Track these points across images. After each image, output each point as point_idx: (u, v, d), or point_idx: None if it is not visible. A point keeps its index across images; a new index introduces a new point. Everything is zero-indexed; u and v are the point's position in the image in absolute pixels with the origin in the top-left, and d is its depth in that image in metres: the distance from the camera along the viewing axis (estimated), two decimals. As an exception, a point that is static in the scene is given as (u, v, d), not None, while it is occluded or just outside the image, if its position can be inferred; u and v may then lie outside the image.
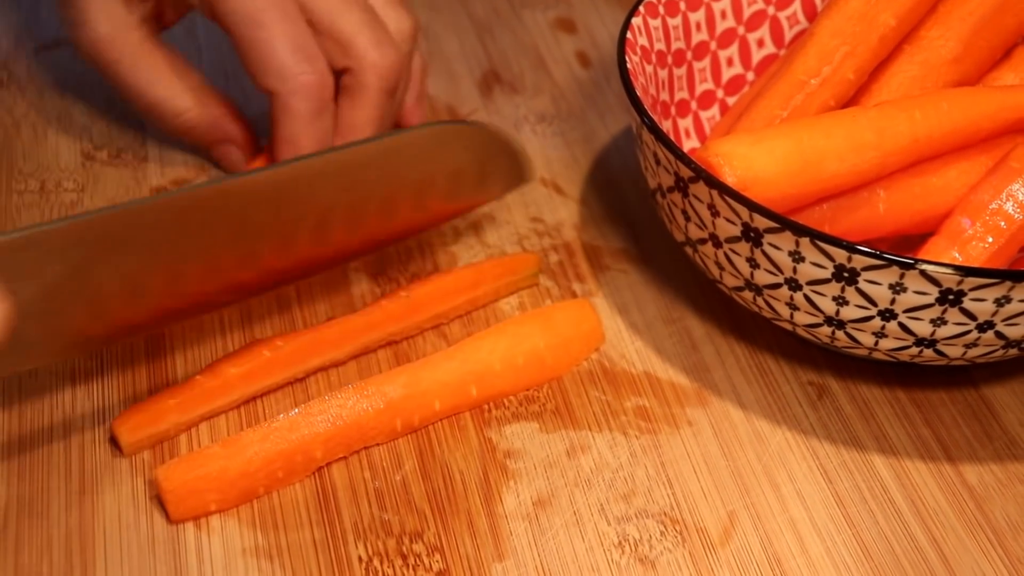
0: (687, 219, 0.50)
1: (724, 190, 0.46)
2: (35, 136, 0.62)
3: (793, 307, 0.49)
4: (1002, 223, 0.50)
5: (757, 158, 0.48)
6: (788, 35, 0.61)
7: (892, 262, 0.44)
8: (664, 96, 0.57)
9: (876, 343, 0.49)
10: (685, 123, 0.59)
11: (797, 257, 0.46)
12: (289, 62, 0.53)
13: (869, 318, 0.47)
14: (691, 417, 0.51)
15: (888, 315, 0.47)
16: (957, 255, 0.50)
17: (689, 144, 0.59)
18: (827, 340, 0.50)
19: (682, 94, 0.59)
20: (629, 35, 0.54)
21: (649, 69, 0.55)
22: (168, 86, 0.57)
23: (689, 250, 0.52)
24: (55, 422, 0.49)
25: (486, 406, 0.51)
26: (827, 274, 0.46)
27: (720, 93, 0.60)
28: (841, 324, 0.48)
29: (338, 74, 0.55)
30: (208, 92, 0.58)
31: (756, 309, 0.51)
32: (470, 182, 0.52)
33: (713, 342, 0.54)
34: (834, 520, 0.48)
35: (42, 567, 0.45)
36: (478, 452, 0.49)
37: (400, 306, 0.53)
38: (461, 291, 0.54)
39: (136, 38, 0.57)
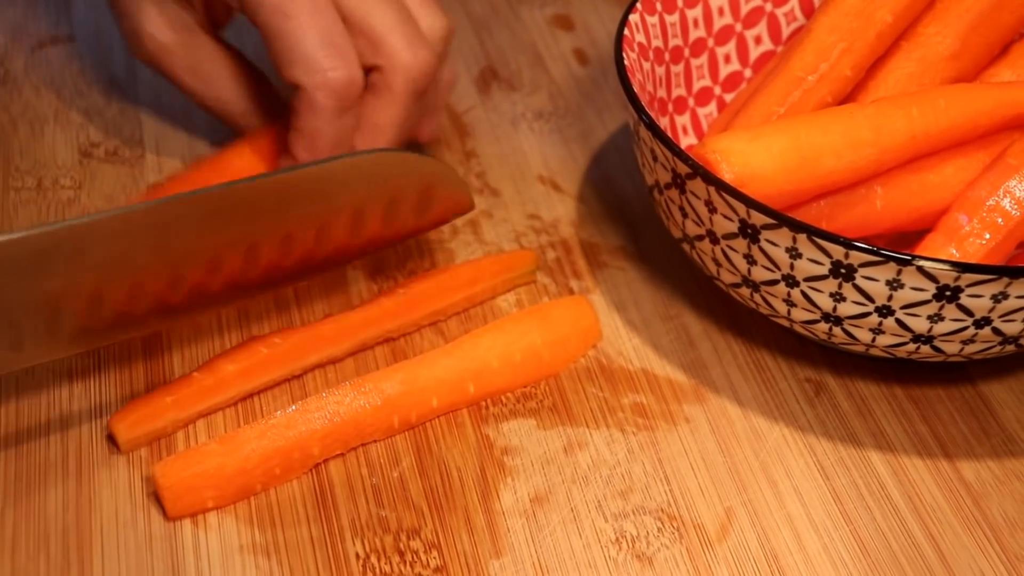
0: (684, 216, 0.50)
1: (721, 186, 0.46)
2: (32, 133, 0.62)
3: (790, 303, 0.49)
4: (999, 219, 0.50)
5: (754, 155, 0.48)
6: (785, 32, 0.61)
7: (889, 258, 0.44)
8: (661, 93, 0.57)
9: (873, 340, 0.49)
10: (682, 120, 0.59)
11: (794, 254, 0.46)
12: (318, 55, 0.51)
13: (866, 314, 0.47)
14: (688, 414, 0.51)
15: (885, 311, 0.47)
16: (954, 251, 0.50)
17: (687, 141, 0.59)
18: (824, 336, 0.50)
19: (679, 91, 0.59)
20: (626, 32, 0.54)
21: (647, 66, 0.55)
22: (232, 89, 0.57)
23: (686, 247, 0.52)
24: (52, 419, 0.49)
25: (484, 403, 0.51)
26: (824, 270, 0.46)
27: (717, 90, 0.60)
28: (838, 320, 0.48)
29: (366, 71, 0.53)
30: (272, 93, 0.58)
31: (753, 305, 0.51)
32: (407, 210, 0.51)
33: (710, 339, 0.54)
34: (831, 516, 0.48)
35: (39, 564, 0.45)
36: (475, 449, 0.49)
37: (398, 303, 0.53)
38: (459, 288, 0.54)
39: (199, 40, 0.57)
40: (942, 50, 0.55)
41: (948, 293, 0.45)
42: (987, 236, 0.50)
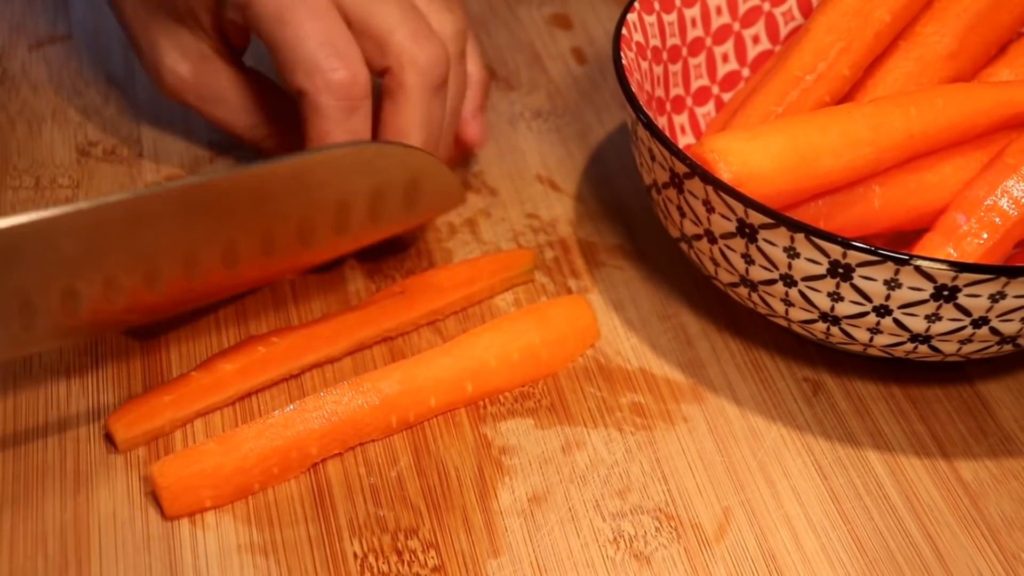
0: (682, 215, 0.50)
1: (719, 186, 0.46)
2: (30, 132, 0.62)
3: (788, 303, 0.49)
4: (997, 219, 0.50)
5: (752, 154, 0.48)
6: (783, 31, 0.61)
7: (887, 258, 0.44)
8: (659, 92, 0.57)
9: (871, 339, 0.49)
10: (680, 119, 0.59)
11: (792, 253, 0.46)
12: (318, 58, 0.50)
13: (864, 314, 0.47)
14: (686, 413, 0.51)
15: (883, 311, 0.47)
16: (952, 251, 0.50)
17: (685, 140, 0.59)
18: (822, 336, 0.50)
19: (677, 90, 0.59)
20: (624, 31, 0.54)
21: (644, 65, 0.55)
22: (255, 113, 0.57)
23: (684, 246, 0.52)
24: (50, 419, 0.49)
25: (481, 402, 0.51)
26: (822, 270, 0.46)
27: (715, 89, 0.60)
28: (836, 320, 0.48)
29: (380, 74, 0.53)
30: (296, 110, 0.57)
31: (751, 305, 0.51)
32: (394, 203, 0.50)
33: (708, 338, 0.54)
34: (829, 516, 0.48)
35: (37, 563, 0.45)
36: (473, 448, 0.49)
37: (395, 302, 0.53)
38: (456, 287, 0.54)
39: (217, 68, 0.57)
40: (940, 49, 0.55)
41: (946, 293, 0.45)
42: (985, 236, 0.50)
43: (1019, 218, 0.50)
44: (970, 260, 0.49)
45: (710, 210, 0.48)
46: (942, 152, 0.52)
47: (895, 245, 0.54)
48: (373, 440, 0.49)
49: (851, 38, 0.53)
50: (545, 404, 0.51)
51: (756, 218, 0.46)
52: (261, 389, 0.51)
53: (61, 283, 0.44)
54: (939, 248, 0.50)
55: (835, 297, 0.47)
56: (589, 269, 0.57)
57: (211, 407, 0.50)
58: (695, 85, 0.60)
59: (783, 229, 0.46)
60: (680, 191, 0.49)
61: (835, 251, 0.45)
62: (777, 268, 0.47)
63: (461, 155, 0.60)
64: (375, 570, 0.45)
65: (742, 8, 0.60)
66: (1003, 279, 0.44)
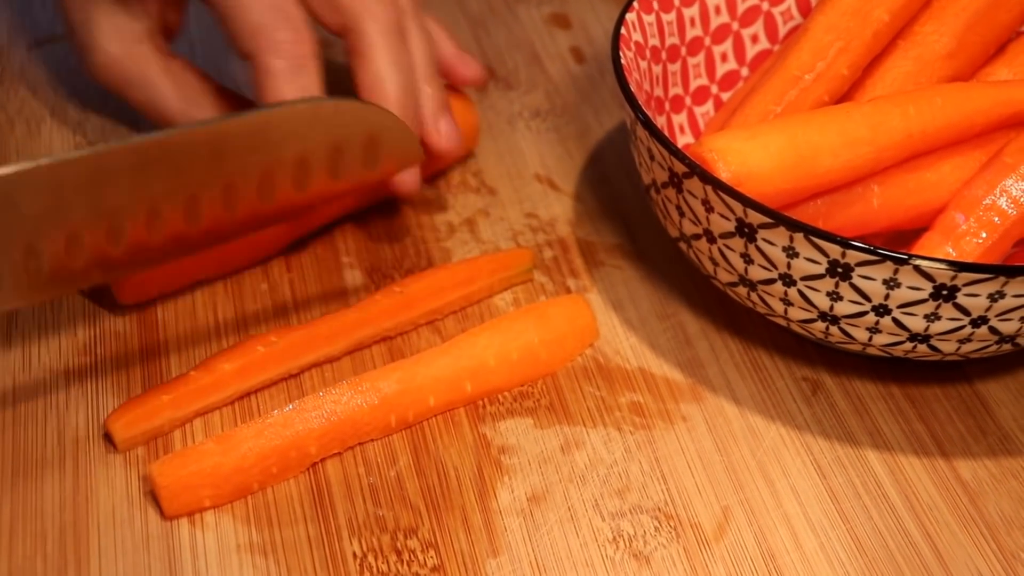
0: (681, 215, 0.50)
1: (718, 186, 0.46)
2: (29, 131, 0.62)
3: (787, 303, 0.49)
4: (996, 218, 0.50)
5: (751, 154, 0.48)
6: (782, 30, 0.61)
7: (886, 257, 0.44)
8: (658, 92, 0.57)
9: (870, 339, 0.49)
10: (679, 119, 0.59)
11: (791, 253, 0.46)
12: (263, 21, 0.52)
13: (863, 314, 0.47)
14: (685, 413, 0.51)
15: (882, 311, 0.47)
16: (951, 250, 0.50)
17: (683, 140, 0.59)
18: (821, 336, 0.50)
19: (676, 90, 0.59)
20: (623, 31, 0.54)
21: (643, 65, 0.55)
22: (183, 99, 0.57)
23: (683, 246, 0.52)
24: (49, 418, 0.49)
25: (480, 402, 0.51)
26: (821, 270, 0.46)
27: (714, 89, 0.60)
28: (835, 320, 0.48)
29: (339, 35, 0.54)
30: (224, 99, 0.58)
31: (750, 305, 0.51)
32: (353, 159, 0.51)
33: (707, 338, 0.54)
34: (828, 515, 0.48)
35: (36, 563, 0.45)
36: (472, 448, 0.49)
37: (394, 302, 0.53)
38: (455, 287, 0.54)
39: (147, 52, 0.57)
40: (939, 49, 0.55)
41: (945, 292, 0.45)
42: (984, 235, 0.50)
43: (1018, 217, 0.50)
44: (969, 259, 0.49)
45: (709, 210, 0.48)
46: (941, 151, 0.52)
47: (894, 244, 0.54)
48: (372, 440, 0.49)
49: (850, 37, 0.53)
50: (544, 404, 0.51)
51: (755, 217, 0.46)
52: (260, 389, 0.51)
53: (23, 240, 0.44)
54: (938, 247, 0.50)
55: (834, 296, 0.47)
56: (588, 269, 0.57)
57: (210, 407, 0.50)
58: (694, 84, 0.60)
59: (782, 228, 0.46)
60: (679, 190, 0.49)
61: (834, 250, 0.45)
62: (776, 267, 0.47)
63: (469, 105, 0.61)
64: (374, 570, 0.45)
65: (741, 7, 0.60)
66: (1002, 278, 0.44)
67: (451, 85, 0.59)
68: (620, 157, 0.63)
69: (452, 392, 0.50)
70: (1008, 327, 0.47)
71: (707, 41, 0.59)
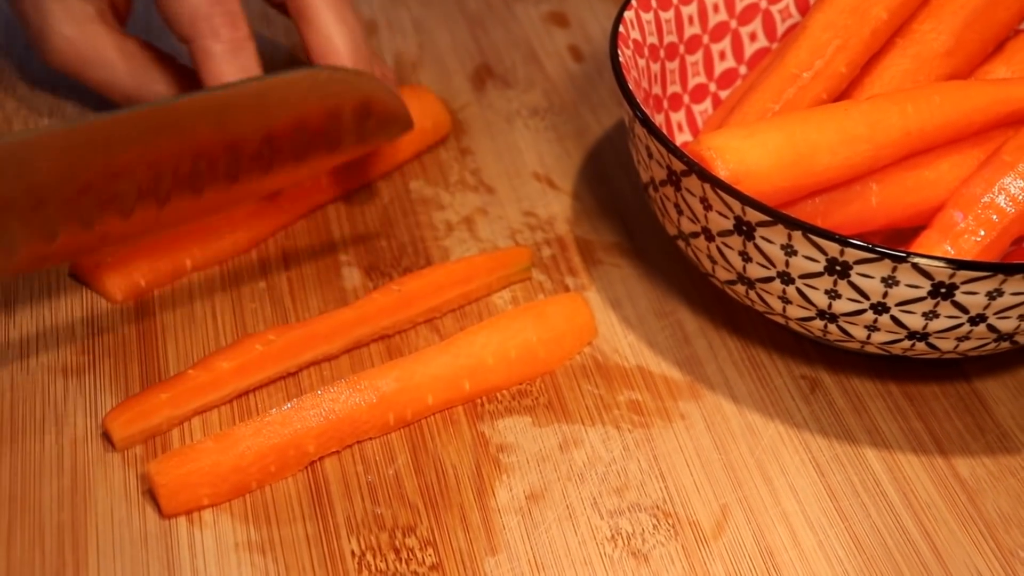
0: (679, 213, 0.50)
1: (716, 184, 0.46)
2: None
3: (785, 301, 0.49)
4: (994, 216, 0.50)
5: (749, 152, 0.48)
6: (780, 29, 0.61)
7: (884, 255, 0.44)
8: (656, 90, 0.57)
9: (868, 336, 0.49)
10: (678, 117, 0.59)
11: (789, 251, 0.46)
12: (199, 6, 0.54)
13: (861, 311, 0.47)
14: (684, 411, 0.51)
15: (880, 308, 0.47)
16: (949, 248, 0.50)
17: (682, 138, 0.59)
18: (819, 334, 0.50)
19: (674, 88, 0.59)
20: (621, 29, 0.54)
21: (641, 63, 0.55)
22: (138, 76, 0.58)
23: (682, 244, 0.52)
24: (47, 417, 0.49)
25: (479, 400, 0.51)
26: (819, 268, 0.46)
27: (713, 87, 0.60)
28: (833, 318, 0.48)
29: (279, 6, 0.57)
30: (180, 75, 0.59)
31: (749, 303, 0.51)
32: (347, 126, 0.53)
33: (706, 336, 0.54)
34: (826, 513, 0.48)
35: (34, 562, 0.45)
36: (471, 446, 0.49)
37: (393, 300, 0.53)
38: (454, 285, 0.54)
39: (100, 31, 0.58)
40: (937, 47, 0.55)
41: (943, 290, 0.45)
42: (982, 233, 0.50)
43: (1016, 215, 0.50)
44: (967, 257, 0.49)
45: (707, 208, 0.48)
46: (939, 149, 0.52)
47: (892, 242, 0.54)
48: (371, 438, 0.49)
49: (848, 35, 0.53)
50: (543, 402, 0.51)
51: (753, 215, 0.46)
52: (258, 387, 0.51)
53: (39, 205, 0.45)
54: (936, 245, 0.50)
55: (832, 294, 0.47)
56: (586, 267, 0.57)
57: (208, 405, 0.50)
58: (692, 83, 0.60)
59: (780, 227, 0.46)
60: (677, 189, 0.49)
61: (832, 248, 0.45)
62: (774, 265, 0.47)
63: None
64: (373, 568, 0.45)
65: (739, 5, 0.60)
66: (1000, 276, 0.44)
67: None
68: (618, 155, 0.63)
69: (450, 390, 0.50)
70: (1006, 325, 0.47)
71: (705, 39, 0.59)
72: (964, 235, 0.50)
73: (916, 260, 0.44)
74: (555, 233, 0.59)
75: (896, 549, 0.47)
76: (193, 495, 0.46)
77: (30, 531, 0.45)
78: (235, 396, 0.50)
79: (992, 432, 0.51)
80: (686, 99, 0.59)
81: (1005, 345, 0.49)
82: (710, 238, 0.49)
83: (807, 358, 0.54)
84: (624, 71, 0.51)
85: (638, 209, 0.60)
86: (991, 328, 0.47)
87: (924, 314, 0.46)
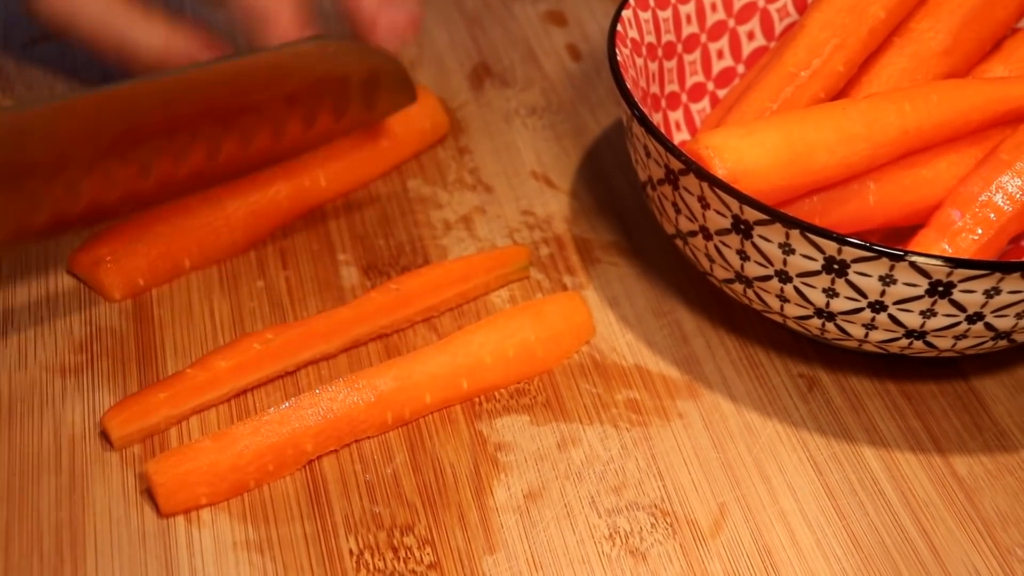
0: (677, 212, 0.50)
1: (714, 182, 0.46)
2: (24, 130, 0.62)
3: (783, 299, 0.49)
4: (992, 215, 0.50)
5: (747, 150, 0.48)
6: (778, 27, 0.61)
7: (882, 254, 0.44)
8: (654, 89, 0.57)
9: (866, 335, 0.49)
10: (675, 116, 0.59)
11: (787, 249, 0.46)
12: None
13: (859, 310, 0.47)
14: (682, 410, 0.51)
15: (878, 307, 0.47)
16: (947, 247, 0.50)
17: (680, 137, 0.59)
18: (817, 332, 0.50)
19: (672, 87, 0.59)
20: (619, 28, 0.54)
21: (639, 62, 0.55)
22: (127, 28, 0.58)
23: (680, 243, 0.52)
24: (45, 416, 0.49)
25: (477, 399, 0.51)
26: (817, 266, 0.46)
27: (710, 86, 0.60)
28: (831, 316, 0.48)
29: None
30: (169, 27, 0.59)
31: (746, 301, 0.51)
32: (355, 97, 0.55)
33: (704, 335, 0.54)
34: (824, 512, 0.48)
35: (32, 561, 0.45)
36: (469, 445, 0.49)
37: (390, 299, 0.53)
38: (451, 284, 0.54)
39: None
40: (934, 46, 0.55)
41: (941, 289, 0.45)
42: (979, 231, 0.50)
43: (1014, 214, 0.50)
44: (965, 256, 0.49)
45: (705, 206, 0.48)
46: (937, 148, 0.52)
47: (890, 241, 0.54)
48: (369, 437, 0.49)
49: (846, 34, 0.53)
50: (541, 401, 0.51)
51: (751, 214, 0.46)
52: (256, 386, 0.51)
53: (64, 169, 0.47)
54: (934, 244, 0.50)
55: (830, 293, 0.47)
56: (584, 266, 0.57)
57: (206, 404, 0.50)
58: (690, 81, 0.60)
59: (778, 225, 0.46)
60: (675, 187, 0.49)
61: (830, 247, 0.45)
62: (772, 264, 0.47)
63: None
64: (371, 567, 0.45)
65: (737, 4, 0.60)
66: (998, 275, 0.44)
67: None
68: (616, 154, 0.63)
69: (448, 389, 0.50)
70: (1004, 323, 0.47)
71: (703, 38, 0.59)
72: (962, 233, 0.50)
73: (914, 259, 0.44)
74: (553, 232, 0.59)
75: (894, 547, 0.47)
76: (191, 494, 0.46)
77: (28, 530, 0.45)
78: (233, 395, 0.50)
79: (990, 430, 0.51)
80: (684, 98, 0.60)
81: (1003, 343, 0.49)
82: (708, 237, 0.49)
83: (805, 357, 0.54)
84: (622, 70, 0.51)
85: (636, 208, 0.60)
86: (989, 326, 0.47)
87: (922, 312, 0.46)
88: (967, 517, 0.48)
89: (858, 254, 0.45)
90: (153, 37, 0.58)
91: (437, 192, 0.60)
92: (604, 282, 0.57)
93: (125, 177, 0.49)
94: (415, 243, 0.57)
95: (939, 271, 0.45)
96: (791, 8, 0.61)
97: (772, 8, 0.61)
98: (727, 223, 0.47)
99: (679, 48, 0.58)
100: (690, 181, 0.48)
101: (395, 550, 0.46)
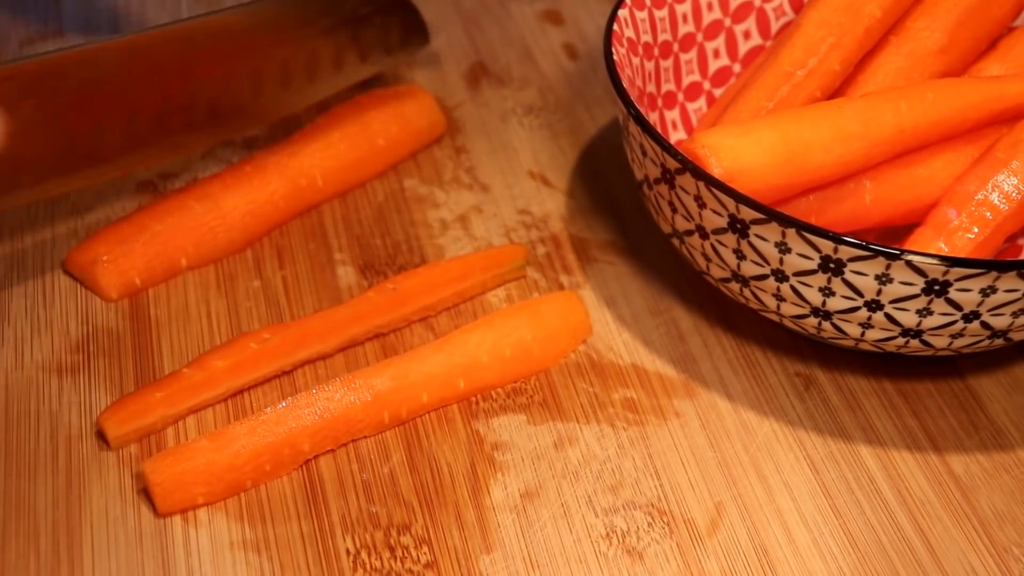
0: (674, 211, 0.50)
1: (711, 181, 0.46)
2: (21, 129, 0.62)
3: (780, 298, 0.49)
4: (988, 213, 0.50)
5: (743, 149, 0.48)
6: (774, 26, 0.61)
7: (878, 253, 0.45)
8: (651, 88, 0.57)
9: (862, 334, 0.49)
10: (672, 115, 0.59)
11: (783, 248, 0.46)
12: None
13: (855, 309, 0.47)
14: (678, 409, 0.51)
15: (874, 306, 0.47)
16: (943, 246, 0.50)
17: (676, 136, 0.59)
18: (814, 331, 0.50)
19: (669, 86, 0.59)
20: (616, 27, 0.54)
21: (636, 61, 0.55)
22: None
23: (676, 242, 0.52)
24: (41, 416, 0.49)
25: (474, 398, 0.51)
26: (813, 265, 0.46)
27: (707, 85, 0.60)
28: (828, 315, 0.48)
29: None
30: None
31: (743, 300, 0.51)
32: (370, 37, 0.59)
33: (700, 333, 0.54)
34: (821, 510, 0.48)
35: (29, 561, 0.45)
36: (466, 444, 0.49)
37: (387, 299, 0.53)
38: (448, 283, 0.54)
39: None
40: (931, 44, 0.55)
41: (937, 287, 0.45)
42: (976, 230, 0.50)
43: (1010, 212, 0.50)
44: (961, 255, 0.50)
45: (701, 206, 0.48)
46: (933, 147, 0.52)
47: (886, 240, 0.54)
48: (365, 436, 0.49)
49: (841, 33, 0.53)
50: (537, 400, 0.51)
51: (747, 213, 0.46)
52: (253, 386, 0.51)
53: (126, 105, 0.50)
54: (930, 243, 0.50)
55: (826, 292, 0.47)
56: (581, 265, 0.57)
57: (203, 404, 0.50)
58: (686, 81, 0.60)
59: (774, 224, 0.46)
60: (671, 187, 0.49)
61: (826, 246, 0.45)
62: (768, 263, 0.47)
63: None
64: (368, 566, 0.45)
65: (733, 4, 0.60)
66: (994, 273, 0.45)
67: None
68: (613, 153, 0.63)
69: (445, 389, 0.50)
70: (1000, 322, 0.47)
71: (699, 37, 0.59)
72: (958, 232, 0.50)
73: (910, 258, 0.44)
74: (550, 231, 0.59)
75: (890, 546, 0.47)
76: (188, 494, 0.46)
77: (25, 530, 0.45)
78: (230, 395, 0.50)
79: (986, 429, 0.52)
80: (680, 97, 0.60)
81: (999, 342, 0.49)
82: (704, 236, 0.49)
83: (801, 355, 0.54)
84: (618, 69, 0.51)
85: (633, 207, 0.60)
86: (985, 325, 0.47)
87: (918, 311, 0.47)
88: (963, 515, 0.48)
89: (854, 253, 0.45)
90: None
91: (434, 191, 0.60)
92: (601, 281, 0.57)
93: (178, 113, 0.52)
94: (412, 242, 0.57)
95: (935, 270, 0.45)
96: (787, 7, 0.61)
97: (768, 7, 0.61)
98: (723, 222, 0.47)
99: (675, 47, 0.58)
100: (686, 180, 0.48)
101: (392, 549, 0.46)
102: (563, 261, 0.57)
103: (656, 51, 0.57)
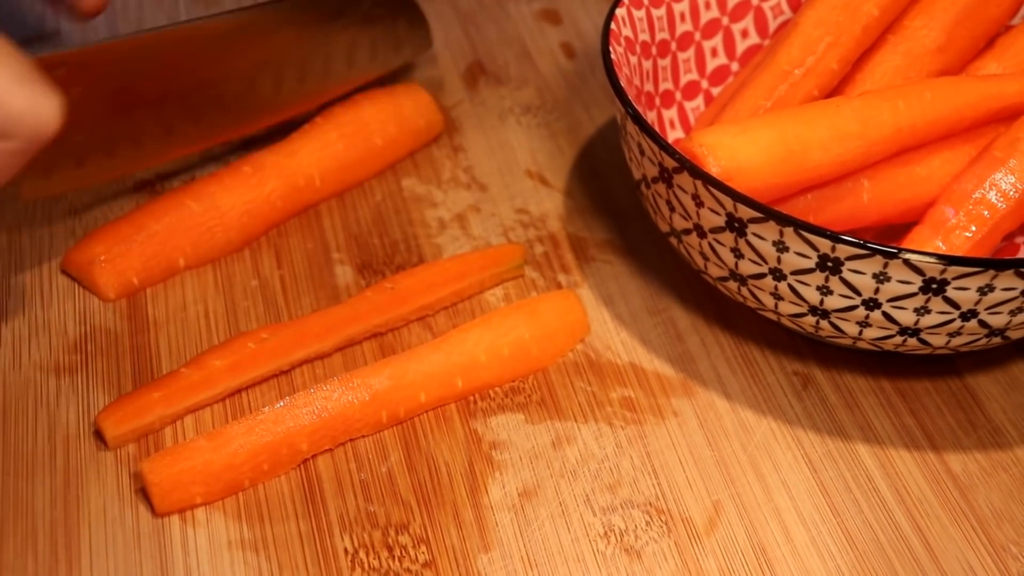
0: (672, 210, 0.50)
1: (708, 180, 0.46)
2: (18, 129, 0.62)
3: (777, 297, 0.49)
4: (985, 212, 0.50)
5: (741, 148, 0.48)
6: (772, 25, 0.61)
7: (876, 251, 0.45)
8: (649, 87, 0.57)
9: (860, 332, 0.49)
10: (670, 114, 0.59)
11: (781, 247, 0.46)
12: None
13: (853, 307, 0.47)
14: (676, 407, 0.51)
15: (872, 304, 0.47)
16: (941, 244, 0.50)
17: (674, 135, 0.59)
18: (812, 330, 0.50)
19: (667, 85, 0.59)
20: (613, 26, 0.54)
21: (633, 60, 0.55)
22: None
23: (674, 241, 0.52)
24: (39, 416, 0.49)
25: (472, 397, 0.51)
26: (811, 264, 0.46)
27: (705, 83, 0.60)
28: (825, 314, 0.48)
29: None
30: None
31: (741, 299, 0.51)
32: (381, 37, 0.61)
33: (698, 332, 0.54)
34: (819, 509, 0.48)
35: (27, 561, 0.45)
36: (464, 443, 0.49)
37: (385, 298, 0.53)
38: (446, 283, 0.54)
39: None
40: (928, 43, 0.55)
41: (934, 286, 0.45)
42: (973, 229, 0.50)
43: (1007, 211, 0.50)
44: (958, 253, 0.50)
45: (699, 204, 0.48)
46: (930, 146, 0.52)
47: (884, 239, 0.54)
48: (363, 436, 0.49)
49: (839, 32, 0.53)
50: (535, 399, 0.51)
51: (745, 212, 0.46)
52: (251, 385, 0.51)
53: (152, 98, 0.53)
54: (928, 241, 0.50)
55: (824, 291, 0.47)
56: (579, 264, 0.57)
57: (201, 404, 0.50)
58: (684, 80, 0.60)
59: (772, 223, 0.46)
60: (669, 186, 0.49)
61: (824, 245, 0.45)
62: (766, 262, 0.47)
63: None
64: (366, 566, 0.45)
65: (731, 2, 0.60)
66: (991, 272, 0.45)
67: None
68: (611, 152, 0.63)
69: (443, 388, 0.50)
70: (997, 320, 0.47)
71: (697, 36, 0.59)
72: (955, 231, 0.50)
73: (907, 256, 0.44)
74: (548, 230, 0.59)
75: (888, 544, 0.47)
76: (186, 493, 0.46)
77: (23, 530, 0.45)
78: (228, 394, 0.50)
79: (984, 428, 0.52)
80: (678, 96, 0.60)
81: (996, 341, 0.49)
82: (702, 235, 0.49)
83: (799, 354, 0.54)
84: (616, 68, 0.51)
85: (630, 206, 0.60)
86: (982, 324, 0.47)
87: (915, 310, 0.47)
88: (961, 514, 0.48)
89: (852, 252, 0.45)
90: None
91: (432, 191, 0.60)
92: (599, 280, 0.57)
93: (200, 107, 0.55)
94: (410, 242, 0.57)
95: (933, 268, 0.45)
96: (785, 6, 0.61)
97: (766, 6, 0.61)
98: (721, 221, 0.47)
99: (673, 46, 0.58)
100: (684, 179, 0.48)
101: (390, 549, 0.46)
102: (561, 260, 0.57)
103: (654, 50, 0.57)
